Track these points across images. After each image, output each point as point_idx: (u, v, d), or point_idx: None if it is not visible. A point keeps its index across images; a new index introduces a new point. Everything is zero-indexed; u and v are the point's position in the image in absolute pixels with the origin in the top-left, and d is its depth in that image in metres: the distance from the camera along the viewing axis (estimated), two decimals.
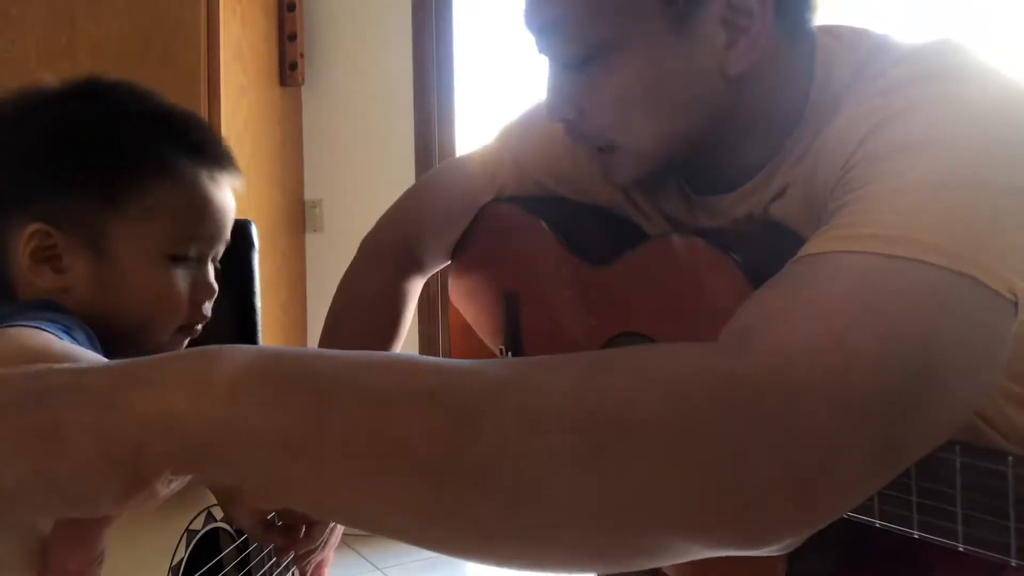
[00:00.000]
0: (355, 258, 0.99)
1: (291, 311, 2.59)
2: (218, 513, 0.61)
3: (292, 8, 2.49)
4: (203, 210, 0.71)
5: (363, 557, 2.53)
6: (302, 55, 2.52)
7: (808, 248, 0.51)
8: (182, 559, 0.55)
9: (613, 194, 0.84)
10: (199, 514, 0.58)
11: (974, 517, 0.43)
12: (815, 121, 0.65)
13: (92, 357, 0.51)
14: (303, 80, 2.54)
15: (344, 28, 2.59)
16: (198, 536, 0.57)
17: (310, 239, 2.70)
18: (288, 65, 2.51)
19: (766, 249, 0.66)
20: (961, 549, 0.43)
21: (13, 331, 0.54)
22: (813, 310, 0.45)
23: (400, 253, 0.97)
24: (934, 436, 0.45)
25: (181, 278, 0.71)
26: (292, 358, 0.39)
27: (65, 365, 0.38)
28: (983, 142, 0.52)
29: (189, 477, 0.39)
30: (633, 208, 0.84)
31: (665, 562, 0.41)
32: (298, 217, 2.69)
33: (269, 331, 2.43)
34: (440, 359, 0.41)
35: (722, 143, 0.69)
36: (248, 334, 1.04)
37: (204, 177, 0.72)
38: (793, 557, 0.59)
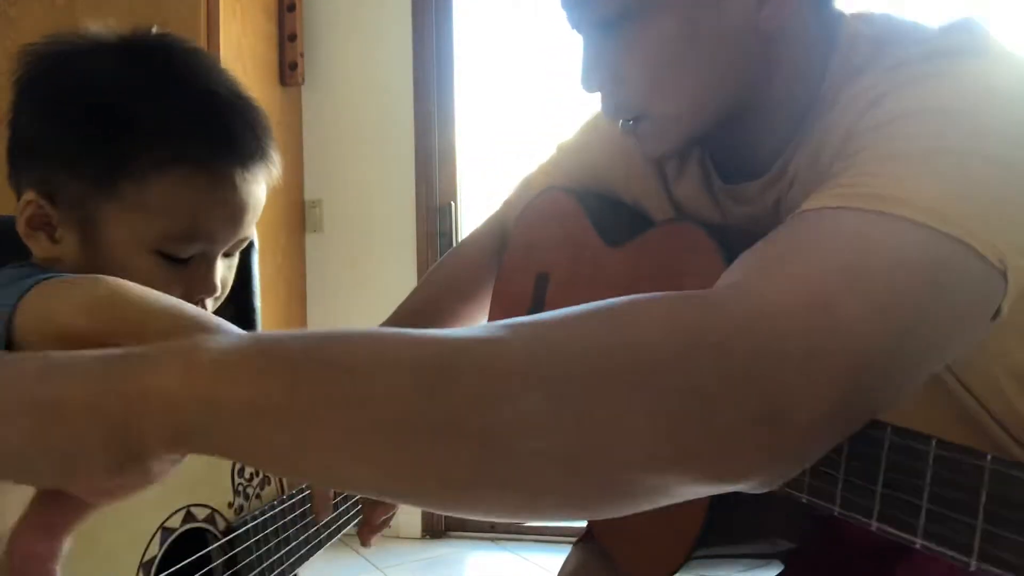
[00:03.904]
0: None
1: (291, 311, 2.59)
2: (199, 513, 0.61)
3: (292, 8, 2.49)
4: (212, 210, 0.66)
5: (363, 557, 2.53)
6: (302, 55, 2.52)
7: (804, 205, 0.52)
8: (155, 556, 0.55)
9: (637, 189, 0.89)
10: (175, 512, 0.57)
11: (939, 514, 0.42)
12: (832, 95, 0.66)
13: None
14: (303, 80, 2.55)
15: (344, 28, 2.59)
16: (175, 535, 0.57)
17: (310, 239, 2.69)
18: (288, 65, 2.51)
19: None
20: (918, 545, 0.42)
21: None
22: (800, 265, 0.46)
23: (500, 231, 1.12)
24: (898, 398, 0.46)
25: (170, 277, 0.66)
26: (272, 337, 0.40)
27: (66, 353, 0.40)
28: (984, 114, 0.53)
29: (184, 457, 0.40)
30: (653, 202, 0.87)
31: (649, 504, 0.42)
32: (298, 217, 2.69)
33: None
34: (414, 330, 0.42)
35: (750, 118, 0.70)
36: None
37: (229, 172, 0.66)
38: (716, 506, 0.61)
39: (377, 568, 2.47)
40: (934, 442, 0.42)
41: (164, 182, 0.64)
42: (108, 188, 0.64)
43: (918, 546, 0.42)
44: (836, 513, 0.48)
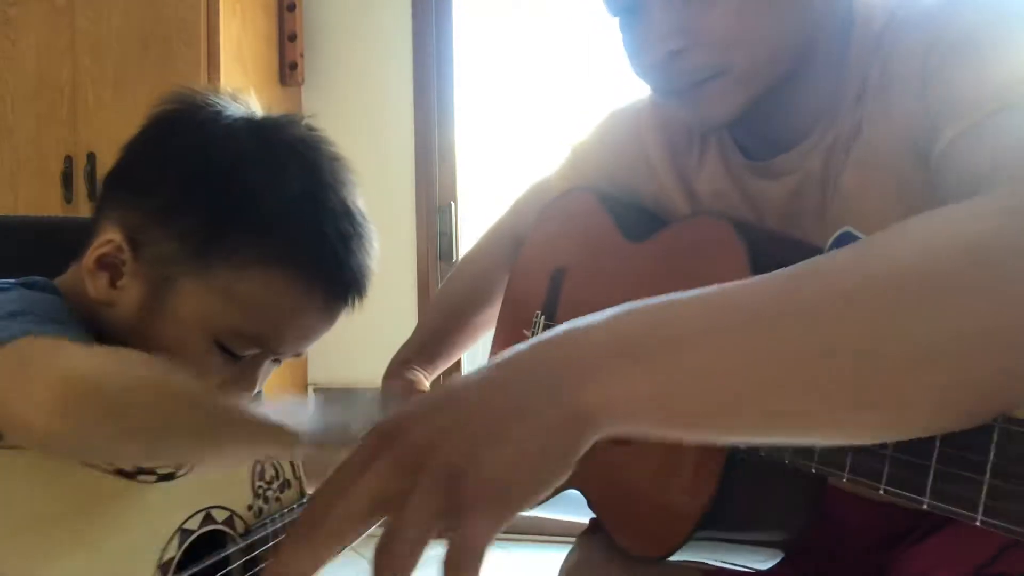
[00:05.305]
0: (486, 234, 1.16)
1: None
2: (219, 515, 0.60)
3: (292, 8, 2.49)
4: (293, 324, 0.64)
5: (364, 558, 2.52)
6: (302, 55, 2.52)
7: (948, 133, 0.59)
8: (173, 557, 0.55)
9: (656, 187, 0.90)
10: (194, 514, 0.57)
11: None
12: (861, 62, 0.70)
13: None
14: (303, 80, 2.54)
15: (344, 28, 2.59)
16: (193, 536, 0.57)
17: None
18: (288, 65, 2.51)
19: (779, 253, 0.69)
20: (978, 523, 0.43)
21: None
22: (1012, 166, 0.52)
23: (510, 237, 1.11)
24: None
25: (219, 366, 0.63)
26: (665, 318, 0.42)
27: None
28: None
29: None
30: (672, 199, 0.88)
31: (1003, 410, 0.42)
32: None
33: None
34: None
35: (799, 78, 0.73)
36: None
37: (327, 296, 0.65)
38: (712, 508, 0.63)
39: None
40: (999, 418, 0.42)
41: (260, 279, 0.62)
42: (202, 263, 0.61)
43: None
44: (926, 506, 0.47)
